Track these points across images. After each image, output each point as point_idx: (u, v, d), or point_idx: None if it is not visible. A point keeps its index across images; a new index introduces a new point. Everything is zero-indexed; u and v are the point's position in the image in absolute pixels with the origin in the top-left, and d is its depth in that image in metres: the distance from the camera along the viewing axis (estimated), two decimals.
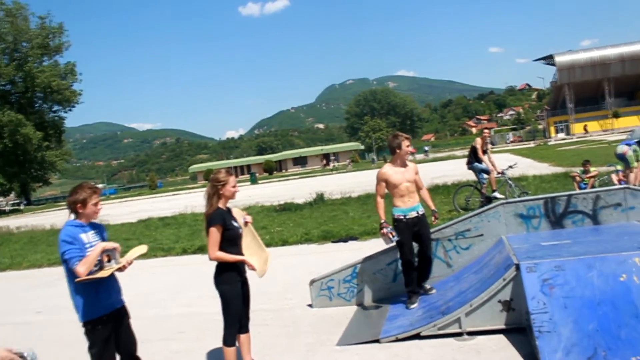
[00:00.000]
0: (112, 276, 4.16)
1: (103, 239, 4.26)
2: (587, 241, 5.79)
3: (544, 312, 4.73)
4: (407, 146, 6.44)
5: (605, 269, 4.86)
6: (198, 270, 11.02)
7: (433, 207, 6.71)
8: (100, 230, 4.29)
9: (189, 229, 17.66)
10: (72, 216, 4.19)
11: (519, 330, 5.20)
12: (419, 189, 6.61)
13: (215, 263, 4.91)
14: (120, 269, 4.14)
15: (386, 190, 6.51)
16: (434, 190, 17.72)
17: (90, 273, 3.97)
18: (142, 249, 4.47)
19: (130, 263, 4.20)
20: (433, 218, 6.62)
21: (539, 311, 4.74)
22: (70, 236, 4.00)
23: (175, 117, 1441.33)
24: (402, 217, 6.36)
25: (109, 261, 4.07)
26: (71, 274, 4.00)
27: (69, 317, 4.16)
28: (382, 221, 6.43)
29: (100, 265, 4.06)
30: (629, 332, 4.49)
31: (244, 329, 5.05)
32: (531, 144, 68.87)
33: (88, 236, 4.11)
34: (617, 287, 4.75)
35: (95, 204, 4.19)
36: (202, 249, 13.21)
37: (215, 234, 4.69)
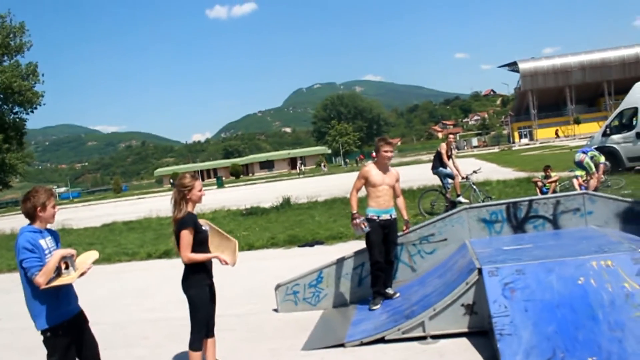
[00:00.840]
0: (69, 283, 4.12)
1: (58, 244, 4.22)
2: (548, 245, 5.91)
3: (505, 315, 4.82)
4: (385, 151, 6.53)
5: (564, 273, 4.98)
6: (163, 275, 10.93)
7: (406, 217, 6.83)
8: (55, 235, 4.24)
9: (154, 233, 17.48)
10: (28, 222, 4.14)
11: (481, 334, 5.29)
12: (396, 196, 6.72)
13: (182, 267, 4.88)
14: (81, 275, 4.11)
15: (362, 189, 6.59)
16: None
17: (49, 281, 3.93)
18: (94, 254, 4.41)
19: (89, 268, 4.17)
20: (405, 227, 6.71)
21: (501, 314, 4.82)
22: (30, 243, 3.94)
23: (141, 119, 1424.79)
24: (375, 218, 6.45)
25: (66, 268, 4.02)
26: (29, 281, 3.94)
27: (30, 324, 4.09)
28: (354, 212, 6.50)
29: (58, 272, 4.00)
30: (586, 334, 4.60)
31: (211, 332, 5.03)
32: (495, 149, 69.93)
33: (47, 242, 4.06)
34: (575, 290, 4.87)
35: (53, 207, 4.16)
36: (167, 254, 13.09)
37: (187, 236, 4.68)
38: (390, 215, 6.50)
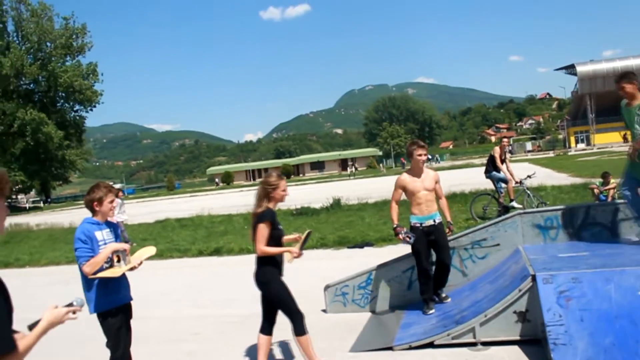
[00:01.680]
0: (122, 274, 4.35)
1: (117, 237, 4.48)
2: (605, 254, 5.73)
3: (559, 324, 4.69)
4: (419, 155, 6.35)
5: (624, 283, 4.80)
6: (213, 273, 11.09)
7: (449, 219, 6.65)
8: (114, 228, 4.51)
9: (206, 231, 17.74)
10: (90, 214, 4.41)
11: (534, 342, 5.15)
12: (438, 197, 6.58)
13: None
14: (131, 269, 4.31)
15: (404, 197, 6.50)
16: (452, 198, 17.62)
17: (100, 269, 4.19)
18: (151, 250, 4.66)
19: (140, 264, 4.36)
20: (447, 230, 6.55)
21: (555, 323, 4.69)
22: (84, 234, 4.23)
23: (194, 119, 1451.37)
24: (418, 225, 6.34)
25: (118, 261, 4.31)
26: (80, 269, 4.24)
27: (84, 315, 4.22)
28: (395, 225, 6.43)
29: (111, 264, 4.27)
30: None
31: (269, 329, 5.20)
32: (550, 154, 68.37)
33: (103, 234, 4.34)
34: (635, 302, 4.69)
35: (111, 202, 4.41)
36: (217, 251, 13.27)
37: (264, 229, 4.80)
38: (434, 220, 6.34)
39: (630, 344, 4.47)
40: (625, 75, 6.08)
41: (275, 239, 4.89)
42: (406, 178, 6.42)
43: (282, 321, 5.13)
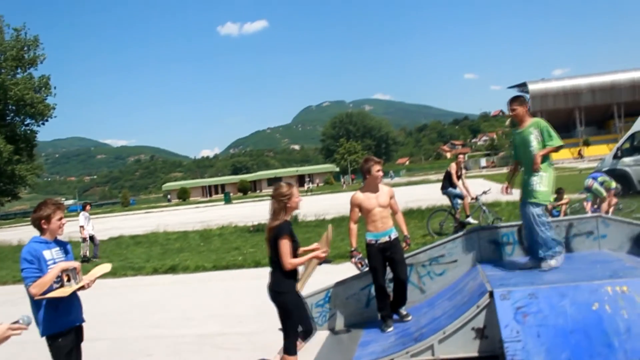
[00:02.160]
0: (73, 294, 4.19)
1: (67, 254, 4.31)
2: (560, 269, 5.80)
3: (517, 340, 4.70)
4: (377, 171, 6.29)
5: (578, 298, 4.87)
6: (168, 291, 10.85)
7: (406, 233, 6.56)
8: (64, 247, 4.34)
9: (161, 248, 17.43)
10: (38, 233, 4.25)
11: (492, 359, 5.15)
12: (394, 213, 6.53)
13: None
14: (82, 288, 4.15)
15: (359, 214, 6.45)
16: (408, 214, 17.75)
17: (49, 289, 4.01)
18: (106, 267, 4.47)
19: (92, 282, 4.21)
20: (404, 244, 6.49)
21: (512, 339, 4.71)
22: (31, 254, 4.05)
23: (150, 134, 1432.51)
24: (373, 242, 6.28)
25: (68, 280, 4.13)
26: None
27: (32, 336, 4.06)
28: (352, 249, 6.39)
29: (61, 283, 4.09)
30: None
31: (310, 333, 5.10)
32: (504, 170, 69.69)
33: (52, 253, 4.16)
34: (589, 316, 4.75)
35: (60, 219, 4.25)
36: (173, 269, 13.02)
37: (287, 244, 4.78)
38: (390, 237, 6.28)
39: (585, 358, 4.52)
40: (517, 99, 6.35)
41: (293, 251, 4.88)
42: (360, 196, 6.35)
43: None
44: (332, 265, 11.46)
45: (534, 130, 6.06)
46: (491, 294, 5.12)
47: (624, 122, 74.44)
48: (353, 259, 6.36)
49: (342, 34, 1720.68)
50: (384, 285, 6.32)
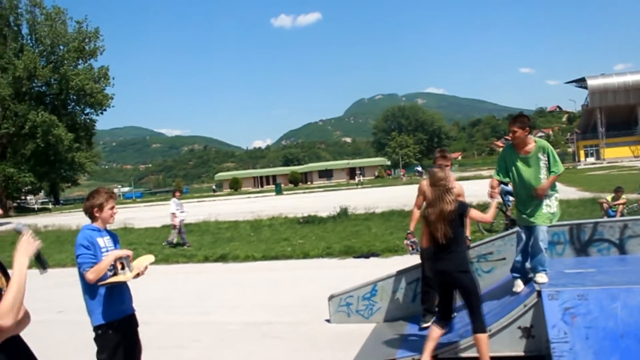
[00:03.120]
0: (124, 283, 4.23)
1: (116, 244, 4.34)
2: (612, 271, 5.68)
3: (564, 341, 4.64)
4: (439, 165, 6.26)
5: (630, 301, 4.76)
6: (218, 279, 11.08)
7: (467, 234, 6.53)
8: (113, 237, 4.37)
9: (212, 237, 17.75)
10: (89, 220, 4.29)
11: (538, 358, 5.10)
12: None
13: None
14: (137, 276, 4.19)
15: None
16: None
17: (104, 277, 4.04)
18: (150, 258, 4.50)
19: (145, 270, 4.25)
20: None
21: (560, 340, 4.65)
22: (87, 240, 4.10)
23: (203, 124, 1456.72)
24: None
25: (122, 268, 4.13)
26: (82, 276, 4.08)
27: (88, 319, 4.20)
28: (409, 231, 6.50)
29: (114, 271, 4.12)
30: None
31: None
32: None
33: (104, 241, 4.20)
34: None
35: (112, 208, 4.28)
36: (223, 257, 13.27)
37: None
38: None
39: None
40: (518, 120, 5.82)
41: None
42: (426, 184, 6.32)
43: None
44: (380, 259, 11.52)
45: (542, 157, 5.63)
46: (539, 294, 5.06)
47: None
48: (406, 241, 6.49)
49: (395, 27, 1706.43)
50: (430, 277, 6.28)
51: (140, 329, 4.47)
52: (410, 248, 6.41)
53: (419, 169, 78.63)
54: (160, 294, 9.91)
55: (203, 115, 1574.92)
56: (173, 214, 16.41)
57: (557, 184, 5.93)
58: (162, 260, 13.66)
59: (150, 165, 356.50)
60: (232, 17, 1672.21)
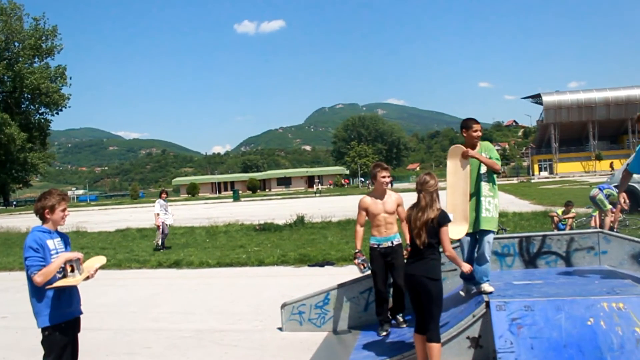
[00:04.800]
0: (74, 286, 4.20)
1: (67, 246, 4.31)
2: (559, 283, 5.83)
3: (510, 351, 4.74)
4: (383, 177, 6.40)
5: (574, 312, 4.90)
6: (171, 285, 10.94)
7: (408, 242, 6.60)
8: (64, 238, 4.34)
9: (167, 242, 17.50)
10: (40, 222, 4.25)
11: None
12: (401, 220, 6.53)
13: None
14: (86, 279, 4.16)
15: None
16: None
17: (53, 280, 4.02)
18: (101, 259, 4.45)
19: (95, 273, 4.23)
20: (405, 252, 6.51)
21: (506, 350, 4.75)
22: (36, 242, 4.06)
23: (162, 128, 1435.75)
24: (375, 246, 6.38)
25: (72, 271, 4.11)
26: (30, 278, 4.04)
27: (34, 324, 4.12)
28: (356, 250, 6.55)
29: (63, 274, 4.10)
30: None
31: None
32: (514, 181, 69.52)
33: (55, 243, 4.17)
34: (584, 331, 4.79)
35: (63, 210, 4.25)
36: (177, 264, 13.10)
37: (447, 232, 4.97)
38: (392, 242, 6.36)
39: None
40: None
41: None
42: (367, 200, 6.47)
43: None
44: (335, 268, 11.55)
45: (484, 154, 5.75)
46: (488, 304, 5.16)
47: (638, 137, 73.79)
48: (356, 260, 6.49)
49: (358, 38, 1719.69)
50: (383, 290, 6.38)
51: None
52: (361, 267, 6.44)
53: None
54: (111, 299, 9.73)
55: (162, 119, 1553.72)
56: (157, 214, 16.14)
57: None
58: (115, 265, 13.43)
59: (106, 168, 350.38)
60: (195, 21, 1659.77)
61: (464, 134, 5.94)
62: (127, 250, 16.16)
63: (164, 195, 17.21)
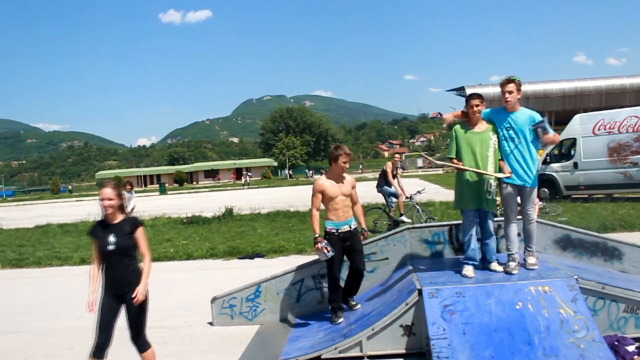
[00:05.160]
0: None
1: None
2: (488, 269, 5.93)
3: (443, 337, 4.79)
4: (344, 162, 6.25)
5: (503, 297, 5.02)
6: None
7: (363, 226, 6.54)
8: None
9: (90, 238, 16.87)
10: None
11: (419, 355, 5.23)
12: (353, 203, 6.47)
13: None
14: None
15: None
16: None
17: None
18: None
19: None
20: (362, 236, 6.47)
21: (439, 337, 4.79)
22: None
23: (84, 120, 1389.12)
24: (334, 231, 6.19)
25: None
26: None
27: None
28: (317, 235, 6.15)
29: None
30: (522, 359, 4.62)
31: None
32: (440, 171, 71.19)
33: None
34: (513, 315, 4.90)
35: None
36: None
37: None
38: (350, 226, 6.25)
39: (507, 355, 4.65)
40: (479, 94, 6.16)
41: None
42: (325, 182, 6.26)
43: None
44: (265, 260, 11.44)
45: (493, 136, 5.85)
46: (420, 292, 5.20)
47: (555, 130, 76.72)
48: (318, 245, 6.07)
49: (286, 30, 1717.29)
50: (338, 277, 6.26)
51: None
52: (325, 251, 6.04)
53: (308, 171, 79.92)
54: (29, 299, 9.25)
55: (84, 110, 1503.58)
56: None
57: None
58: (34, 263, 12.84)
59: (24, 161, 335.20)
60: (118, 9, 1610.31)
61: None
62: (48, 247, 15.47)
63: (128, 187, 16.37)
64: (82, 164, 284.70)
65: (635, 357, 4.80)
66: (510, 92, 5.78)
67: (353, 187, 6.42)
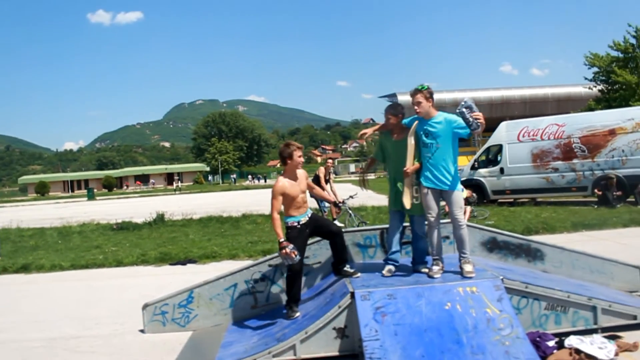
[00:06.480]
0: None
1: None
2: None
3: (375, 339, 4.87)
4: (299, 156, 6.22)
5: (433, 298, 5.16)
6: (18, 292, 10.12)
7: (332, 199, 6.71)
8: None
9: (13, 245, 16.23)
10: None
11: (352, 357, 5.30)
12: (310, 189, 6.62)
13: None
14: None
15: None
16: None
17: None
18: None
19: None
20: (337, 210, 6.56)
21: (371, 338, 4.87)
22: None
23: (6, 122, 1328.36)
24: (296, 224, 6.12)
25: None
26: None
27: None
28: (282, 240, 5.93)
29: None
30: (451, 357, 4.77)
31: None
32: (372, 176, 72.16)
33: None
34: (442, 315, 5.06)
35: None
36: (25, 268, 12.16)
37: None
38: (309, 215, 6.26)
39: (436, 355, 4.79)
40: (394, 107, 6.40)
41: None
42: (285, 183, 6.14)
43: None
44: (198, 266, 11.31)
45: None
46: (352, 295, 5.28)
47: (482, 136, 79.53)
48: (286, 250, 5.84)
49: (219, 33, 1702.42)
50: (301, 271, 6.21)
51: None
52: (293, 255, 5.84)
53: (234, 176, 79.71)
54: None
55: (6, 112, 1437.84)
56: None
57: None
58: None
59: None
60: (42, 7, 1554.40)
61: None
62: None
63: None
64: (4, 169, 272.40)
65: (555, 351, 5.04)
66: (419, 103, 5.98)
67: (307, 178, 6.43)
